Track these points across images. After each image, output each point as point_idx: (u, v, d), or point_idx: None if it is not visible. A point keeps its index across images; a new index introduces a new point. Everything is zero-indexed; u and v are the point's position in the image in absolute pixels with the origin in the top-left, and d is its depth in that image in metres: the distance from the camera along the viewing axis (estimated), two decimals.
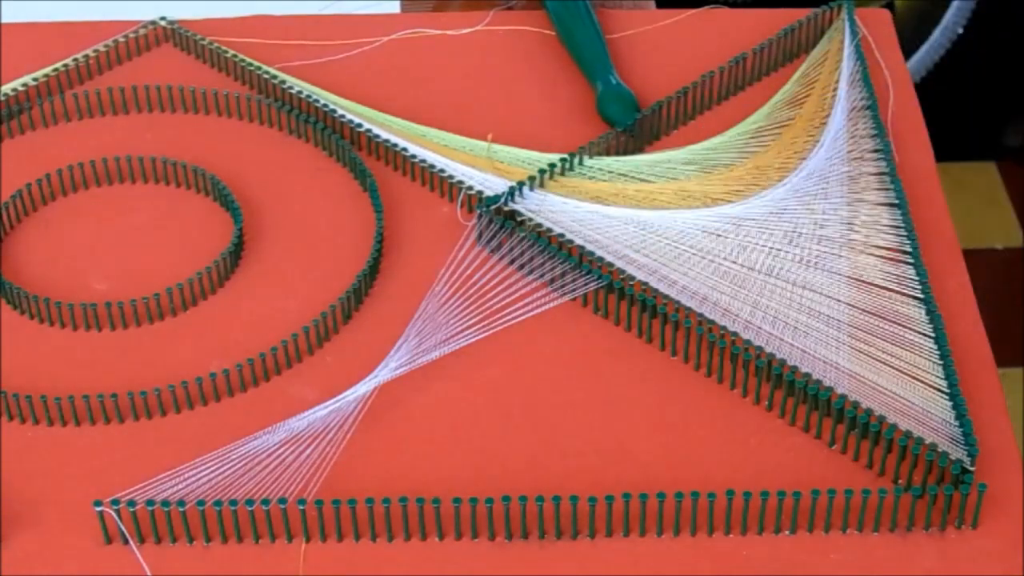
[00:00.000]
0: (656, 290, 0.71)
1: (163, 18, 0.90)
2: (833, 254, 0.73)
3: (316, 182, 0.80)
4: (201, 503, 0.61)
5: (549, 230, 0.74)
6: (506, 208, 0.76)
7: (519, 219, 0.75)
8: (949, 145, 1.19)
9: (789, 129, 0.81)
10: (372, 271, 0.74)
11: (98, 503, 0.61)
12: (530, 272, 0.73)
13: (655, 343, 0.70)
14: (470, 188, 0.77)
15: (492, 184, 0.78)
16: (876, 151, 0.80)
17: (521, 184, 0.77)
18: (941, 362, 0.67)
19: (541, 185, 0.78)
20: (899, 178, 0.78)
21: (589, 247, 0.73)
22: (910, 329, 0.69)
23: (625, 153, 0.81)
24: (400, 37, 0.90)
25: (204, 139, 0.83)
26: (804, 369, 0.66)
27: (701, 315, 0.69)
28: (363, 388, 0.67)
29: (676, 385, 0.69)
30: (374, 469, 0.65)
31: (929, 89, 1.79)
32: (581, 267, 0.72)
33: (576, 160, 0.79)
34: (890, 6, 1.76)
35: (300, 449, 0.65)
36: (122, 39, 0.88)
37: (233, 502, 0.62)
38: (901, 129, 0.82)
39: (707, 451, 0.65)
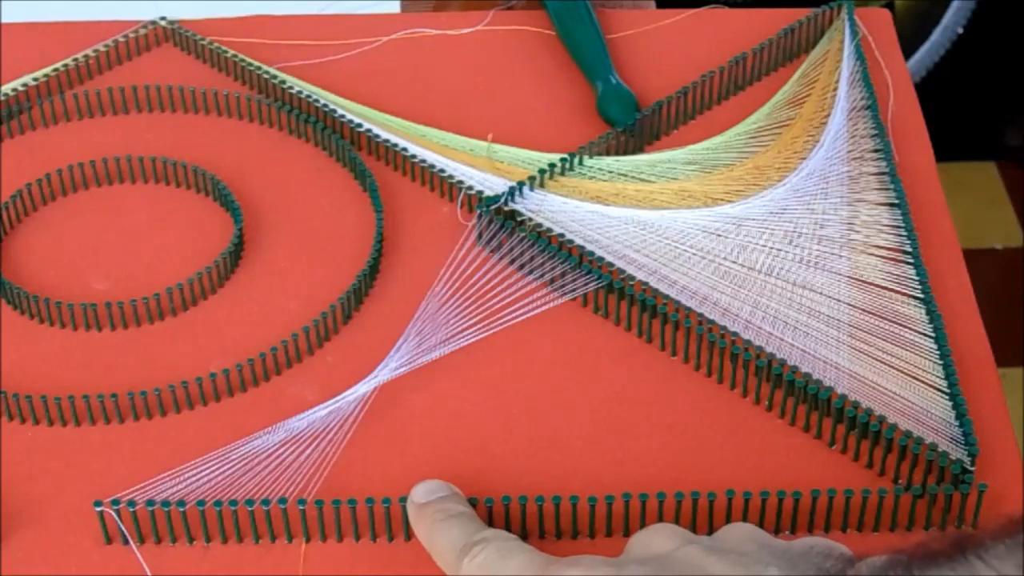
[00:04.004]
0: (656, 290, 0.71)
1: (163, 18, 0.90)
2: (833, 254, 0.74)
3: (316, 182, 0.80)
4: (201, 503, 0.61)
5: (549, 230, 0.74)
6: (506, 208, 0.76)
7: (519, 219, 0.75)
8: (949, 145, 1.18)
9: (789, 129, 0.82)
10: (372, 271, 0.74)
11: (98, 503, 0.61)
12: (530, 272, 0.73)
13: (655, 343, 0.70)
14: (470, 188, 0.77)
15: (492, 184, 0.78)
16: (876, 151, 0.80)
17: (521, 184, 0.77)
18: (941, 362, 0.67)
19: (541, 185, 0.78)
20: (899, 178, 0.78)
21: (589, 247, 0.73)
22: (910, 329, 0.69)
23: (625, 153, 0.81)
24: (400, 37, 0.90)
25: (204, 139, 0.83)
26: (804, 369, 0.66)
27: (701, 315, 0.69)
28: (363, 388, 0.67)
29: (676, 385, 0.69)
30: (374, 469, 0.65)
31: (929, 89, 1.79)
32: (581, 267, 0.72)
33: (576, 160, 0.79)
34: (890, 6, 1.76)
35: (300, 449, 0.65)
36: (122, 39, 0.88)
37: (233, 502, 0.62)
38: (901, 129, 0.82)
39: (707, 451, 0.65)
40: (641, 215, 0.76)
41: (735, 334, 0.68)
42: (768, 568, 0.52)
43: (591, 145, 0.80)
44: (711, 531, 0.62)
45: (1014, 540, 0.46)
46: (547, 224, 0.75)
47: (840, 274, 0.72)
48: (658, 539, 0.55)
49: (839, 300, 0.71)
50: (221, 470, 0.64)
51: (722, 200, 0.77)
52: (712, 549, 0.54)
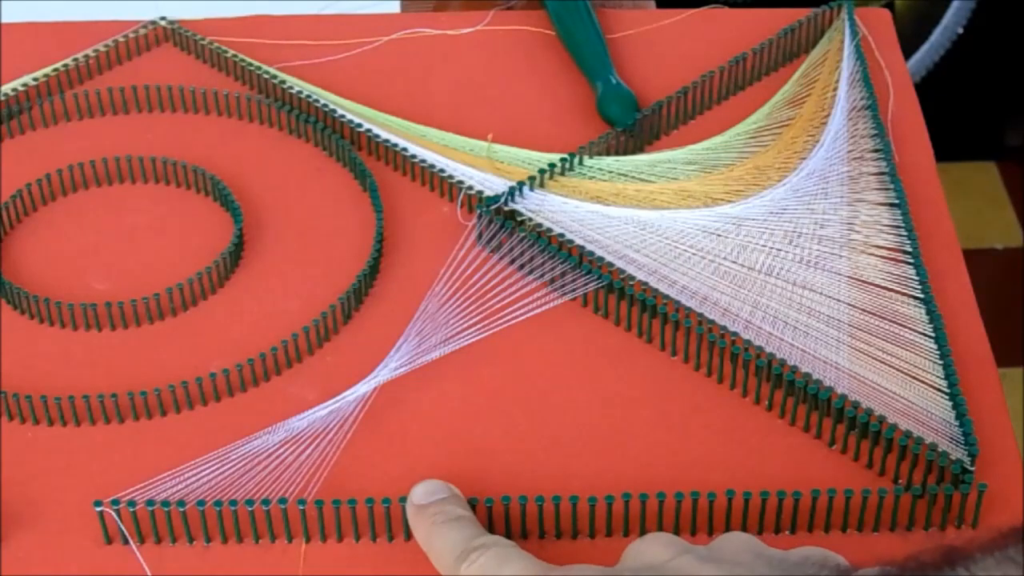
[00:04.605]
0: (656, 290, 0.71)
1: (163, 18, 0.90)
2: (833, 254, 0.74)
3: (316, 182, 0.80)
4: (201, 503, 0.61)
5: (549, 230, 0.74)
6: (506, 208, 0.76)
7: (519, 219, 0.75)
8: (949, 145, 1.18)
9: (789, 129, 0.82)
10: (372, 271, 0.74)
11: (98, 503, 0.61)
12: (530, 272, 0.73)
13: (655, 343, 0.70)
14: (470, 188, 0.77)
15: (492, 184, 0.78)
16: (876, 151, 0.80)
17: (521, 184, 0.77)
18: (941, 362, 0.67)
19: (541, 185, 0.78)
20: (899, 178, 0.78)
21: (589, 247, 0.73)
22: (910, 329, 0.69)
23: (625, 153, 0.81)
24: (400, 37, 0.90)
25: (204, 139, 0.83)
26: (804, 369, 0.66)
27: (701, 315, 0.69)
28: (363, 388, 0.67)
29: (676, 385, 0.69)
30: (374, 469, 0.65)
31: (929, 89, 1.79)
32: (581, 267, 0.72)
33: (576, 160, 0.79)
34: (890, 6, 1.76)
35: (300, 449, 0.65)
36: (122, 39, 0.88)
37: (233, 502, 0.62)
38: (901, 129, 0.82)
39: (707, 451, 0.65)
40: (641, 215, 0.76)
41: (735, 334, 0.68)
42: None
43: (591, 145, 0.80)
44: (711, 531, 0.62)
45: (1003, 554, 0.46)
46: (547, 224, 0.75)
47: (840, 274, 0.72)
48: (653, 548, 0.55)
49: (839, 300, 0.71)
50: (221, 470, 0.64)
51: (722, 200, 0.77)
52: (707, 559, 0.54)
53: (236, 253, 0.75)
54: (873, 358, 0.68)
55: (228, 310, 0.73)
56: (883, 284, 0.72)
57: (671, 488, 0.62)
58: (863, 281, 0.72)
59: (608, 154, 0.81)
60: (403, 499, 0.61)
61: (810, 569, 0.53)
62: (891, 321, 0.70)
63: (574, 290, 0.72)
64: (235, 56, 0.87)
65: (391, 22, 0.91)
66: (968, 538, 0.47)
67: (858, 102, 0.83)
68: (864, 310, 0.70)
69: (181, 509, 0.61)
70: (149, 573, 0.61)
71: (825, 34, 0.88)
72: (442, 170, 0.79)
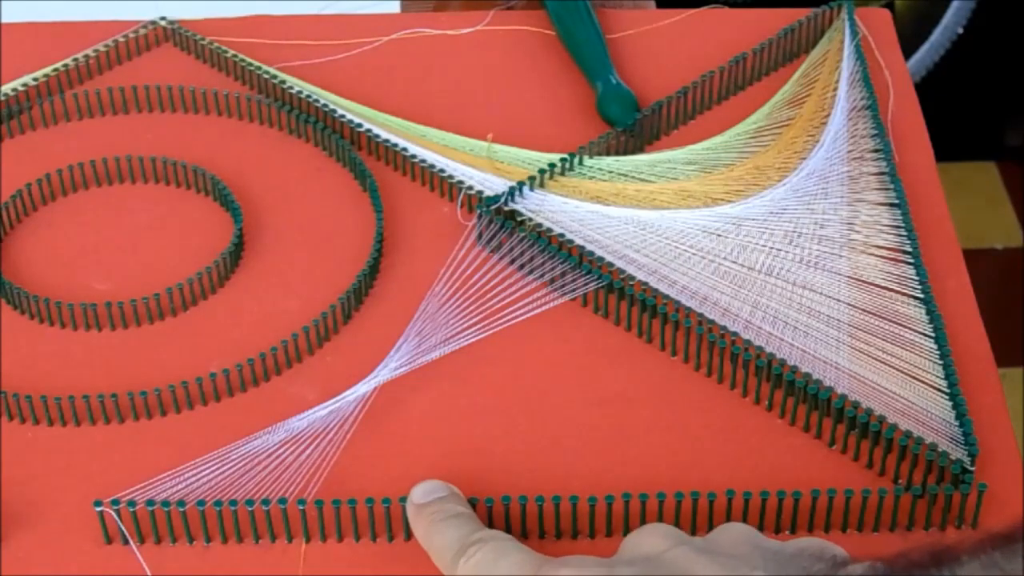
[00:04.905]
0: (656, 290, 0.71)
1: (163, 18, 0.90)
2: (833, 254, 0.74)
3: (316, 182, 0.80)
4: (201, 503, 0.61)
5: (549, 230, 0.74)
6: (506, 208, 0.76)
7: (519, 219, 0.75)
8: (949, 145, 1.18)
9: (789, 129, 0.82)
10: (372, 271, 0.74)
11: (98, 503, 0.61)
12: (530, 272, 0.73)
13: (655, 343, 0.70)
14: (470, 188, 0.77)
15: (492, 184, 0.78)
16: (876, 151, 0.80)
17: (521, 184, 0.77)
18: (941, 362, 0.67)
19: (541, 185, 0.78)
20: (899, 178, 0.78)
21: (589, 247, 0.73)
22: (910, 329, 0.69)
23: (625, 153, 0.81)
24: (400, 37, 0.90)
25: (204, 139, 0.83)
26: (804, 369, 0.66)
27: (701, 315, 0.69)
28: (363, 388, 0.67)
29: (676, 385, 0.69)
30: (374, 469, 0.65)
31: (929, 89, 1.79)
32: (581, 267, 0.72)
33: (576, 160, 0.79)
34: (890, 6, 1.76)
35: (300, 449, 0.65)
36: (122, 39, 0.88)
37: (233, 502, 0.62)
38: (901, 129, 0.82)
39: (707, 451, 0.65)
40: (641, 215, 0.76)
41: (735, 334, 0.68)
42: (755, 570, 0.52)
43: (591, 145, 0.80)
44: (711, 530, 0.62)
45: (989, 558, 0.46)
46: (547, 224, 0.75)
47: (840, 274, 0.72)
48: (650, 540, 0.55)
49: (839, 300, 0.71)
50: (221, 470, 0.64)
51: (722, 200, 0.77)
52: (702, 551, 0.54)
53: (236, 253, 0.76)
54: (873, 358, 0.68)
55: (228, 310, 0.73)
56: (883, 284, 0.72)
57: (671, 488, 0.62)
58: (863, 281, 0.72)
59: (608, 154, 0.81)
60: (403, 499, 0.61)
61: (806, 560, 0.53)
62: (891, 321, 0.70)
63: (574, 290, 0.72)
64: (235, 56, 0.87)
65: (391, 22, 0.91)
66: (958, 539, 0.47)
67: (858, 102, 0.83)
68: (864, 310, 0.70)
69: (181, 509, 0.61)
70: (149, 573, 0.61)
71: (825, 34, 0.88)
72: (442, 170, 0.79)
